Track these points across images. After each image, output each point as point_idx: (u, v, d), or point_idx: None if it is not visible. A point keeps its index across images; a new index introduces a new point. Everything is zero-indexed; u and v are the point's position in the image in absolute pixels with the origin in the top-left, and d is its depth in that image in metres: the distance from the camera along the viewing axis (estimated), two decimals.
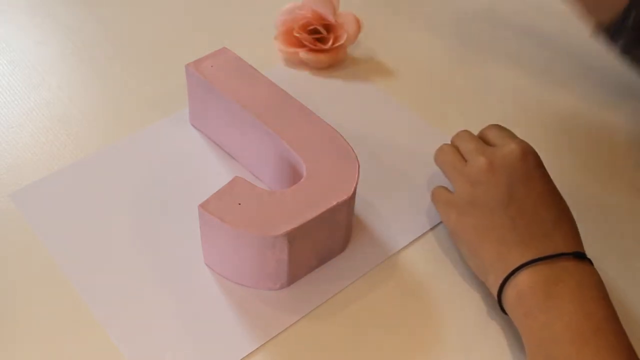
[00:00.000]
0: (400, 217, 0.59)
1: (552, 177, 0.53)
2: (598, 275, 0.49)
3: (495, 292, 0.50)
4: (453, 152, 0.57)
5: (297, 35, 0.70)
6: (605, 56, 0.66)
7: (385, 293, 0.53)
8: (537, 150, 0.53)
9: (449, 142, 0.59)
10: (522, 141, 0.54)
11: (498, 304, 0.50)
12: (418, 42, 0.76)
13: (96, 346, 0.50)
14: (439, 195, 0.57)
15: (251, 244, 0.50)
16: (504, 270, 0.49)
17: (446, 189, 0.57)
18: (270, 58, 0.73)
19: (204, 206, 0.50)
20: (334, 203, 0.51)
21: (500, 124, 0.57)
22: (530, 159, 0.53)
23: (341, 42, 0.70)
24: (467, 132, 0.58)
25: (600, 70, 0.73)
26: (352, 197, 0.53)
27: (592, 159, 0.65)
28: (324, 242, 0.53)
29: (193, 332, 0.50)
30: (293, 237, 0.50)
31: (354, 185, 0.52)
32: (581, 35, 0.71)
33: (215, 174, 0.61)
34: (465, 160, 0.55)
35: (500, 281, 0.49)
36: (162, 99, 0.68)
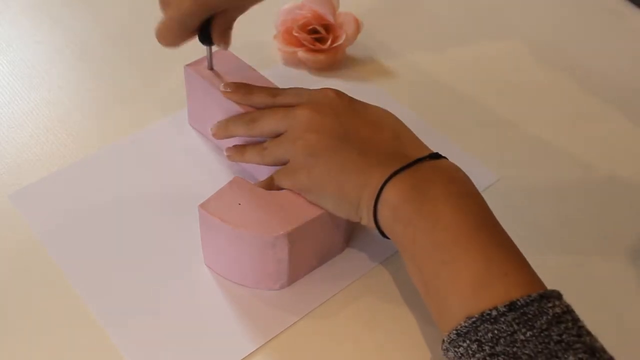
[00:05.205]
0: None
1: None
2: (461, 169, 0.49)
3: (372, 220, 0.49)
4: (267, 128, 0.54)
5: (297, 34, 0.70)
6: None
7: (384, 293, 0.53)
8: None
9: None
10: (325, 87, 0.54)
11: (379, 232, 0.49)
12: (418, 42, 0.76)
13: (96, 346, 0.50)
14: (277, 176, 0.53)
15: (251, 244, 0.50)
16: (371, 194, 0.48)
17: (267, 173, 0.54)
18: (269, 57, 0.73)
19: (204, 206, 0.50)
20: None
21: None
22: (343, 94, 0.54)
23: (340, 42, 0.70)
24: (264, 113, 0.55)
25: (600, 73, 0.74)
26: None
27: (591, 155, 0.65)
28: (324, 242, 0.53)
29: (193, 332, 0.50)
30: (293, 237, 0.50)
31: None
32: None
33: (215, 174, 0.61)
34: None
35: (372, 206, 0.48)
36: (161, 99, 0.68)
